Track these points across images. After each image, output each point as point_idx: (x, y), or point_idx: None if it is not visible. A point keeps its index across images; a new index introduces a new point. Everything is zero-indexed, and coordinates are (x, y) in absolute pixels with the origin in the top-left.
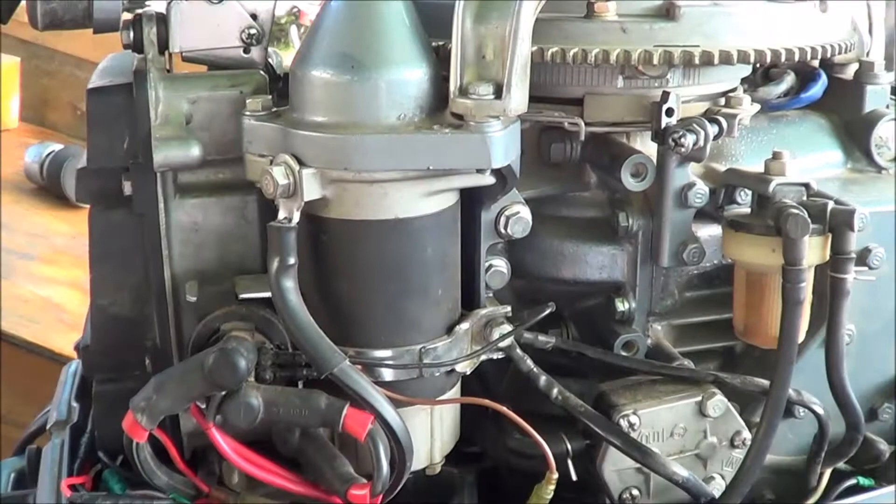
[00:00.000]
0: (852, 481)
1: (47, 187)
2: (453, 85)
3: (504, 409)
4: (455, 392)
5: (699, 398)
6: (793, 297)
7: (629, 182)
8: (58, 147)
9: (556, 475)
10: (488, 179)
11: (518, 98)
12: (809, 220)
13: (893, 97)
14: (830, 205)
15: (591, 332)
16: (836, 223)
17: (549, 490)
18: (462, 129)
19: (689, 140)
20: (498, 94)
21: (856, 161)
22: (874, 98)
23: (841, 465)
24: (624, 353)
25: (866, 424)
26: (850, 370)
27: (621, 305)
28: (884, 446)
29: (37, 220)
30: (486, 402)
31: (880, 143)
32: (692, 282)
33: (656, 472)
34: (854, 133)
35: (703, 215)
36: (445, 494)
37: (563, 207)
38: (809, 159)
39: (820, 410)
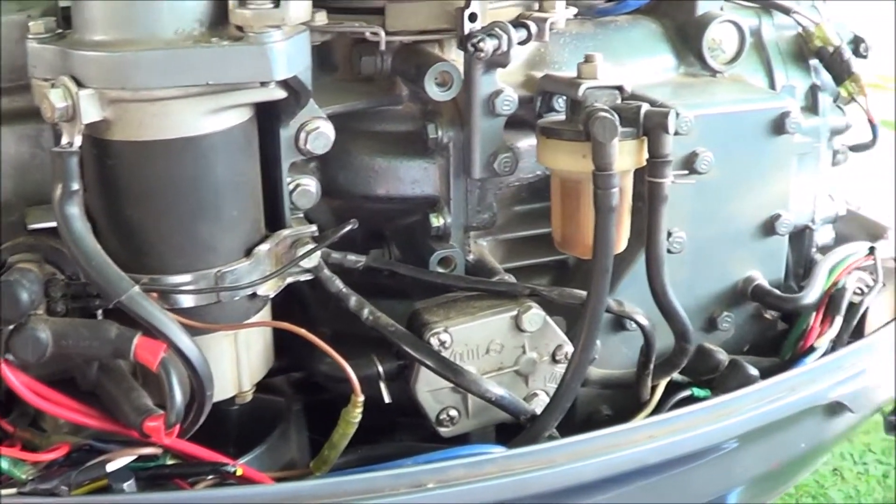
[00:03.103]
0: (687, 392)
1: None
2: None
3: (303, 331)
4: (262, 317)
5: (514, 312)
6: (604, 203)
7: (434, 91)
8: None
9: (361, 398)
10: (277, 93)
11: (298, 6)
12: (618, 123)
13: None
14: (644, 107)
15: (412, 249)
16: (651, 126)
17: (356, 413)
18: (242, 41)
19: (489, 45)
20: (276, 2)
21: (689, 65)
22: (707, 2)
23: (678, 376)
24: (441, 270)
25: (705, 335)
26: (686, 279)
27: (436, 221)
28: (722, 356)
29: None
30: (285, 325)
31: (714, 45)
32: (520, 195)
33: (468, 390)
34: (687, 37)
35: (524, 125)
36: (273, 422)
37: (375, 122)
38: (640, 65)
39: (643, 321)
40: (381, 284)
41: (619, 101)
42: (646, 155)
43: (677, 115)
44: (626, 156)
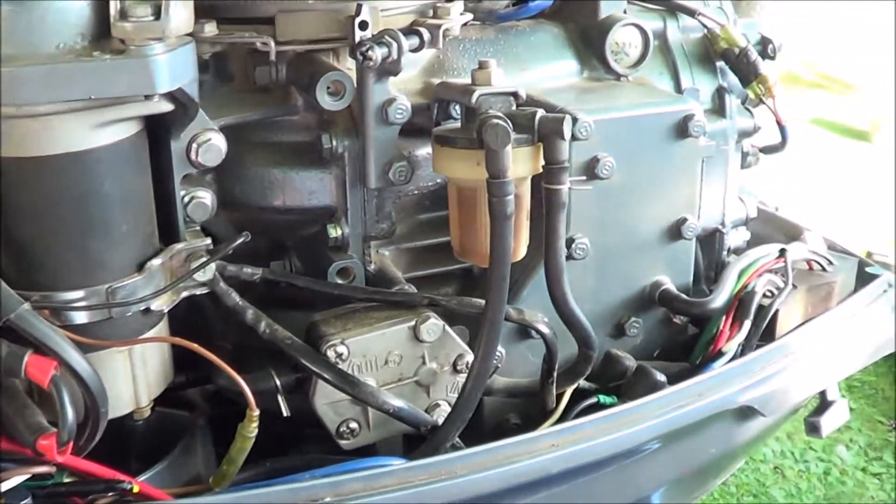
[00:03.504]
0: (593, 400)
1: None
2: (113, 8)
3: (195, 346)
4: (158, 332)
5: (412, 323)
6: (500, 211)
7: (325, 101)
8: None
9: (256, 412)
10: (163, 106)
11: (179, 17)
12: (511, 130)
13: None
14: (539, 113)
15: (313, 261)
16: (546, 132)
17: (252, 428)
18: (124, 54)
19: (378, 53)
20: (157, 14)
21: (593, 69)
22: (610, 4)
23: (585, 383)
24: (340, 281)
25: (613, 341)
26: (592, 285)
27: (334, 231)
28: (630, 362)
29: None
30: (178, 340)
31: (617, 49)
32: (422, 203)
33: (366, 402)
34: (590, 41)
35: (423, 133)
36: (178, 437)
37: (271, 133)
38: (543, 70)
39: (545, 329)
40: (288, 296)
41: (513, 107)
42: (542, 161)
43: (575, 120)
44: (521, 163)
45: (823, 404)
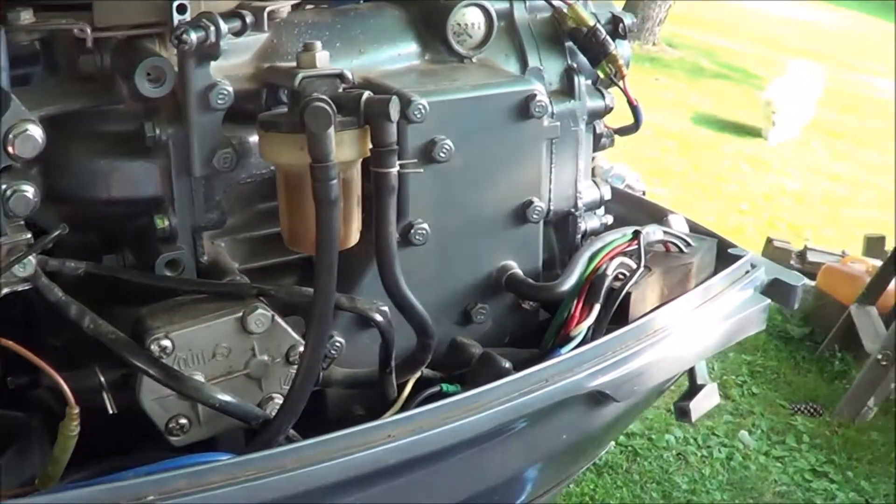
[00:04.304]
0: (435, 389)
1: None
2: None
3: (8, 342)
4: None
5: (239, 314)
6: (324, 195)
7: (145, 88)
8: None
9: (76, 410)
10: None
11: None
12: (333, 112)
13: None
14: (365, 95)
15: (145, 253)
16: (372, 114)
17: (73, 427)
18: None
19: (193, 37)
20: None
21: (435, 52)
22: None
23: (430, 372)
24: (168, 273)
25: (461, 328)
26: (435, 272)
27: (161, 222)
28: (476, 349)
29: None
30: None
31: (460, 30)
32: (261, 192)
33: (191, 398)
34: (432, 23)
35: (255, 119)
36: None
37: (97, 122)
38: (382, 53)
39: (378, 317)
40: (129, 290)
41: (339, 89)
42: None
43: (409, 102)
44: (347, 146)
45: (692, 389)
